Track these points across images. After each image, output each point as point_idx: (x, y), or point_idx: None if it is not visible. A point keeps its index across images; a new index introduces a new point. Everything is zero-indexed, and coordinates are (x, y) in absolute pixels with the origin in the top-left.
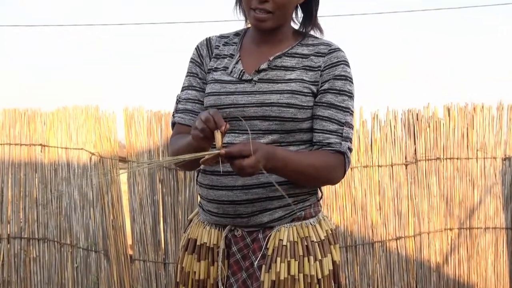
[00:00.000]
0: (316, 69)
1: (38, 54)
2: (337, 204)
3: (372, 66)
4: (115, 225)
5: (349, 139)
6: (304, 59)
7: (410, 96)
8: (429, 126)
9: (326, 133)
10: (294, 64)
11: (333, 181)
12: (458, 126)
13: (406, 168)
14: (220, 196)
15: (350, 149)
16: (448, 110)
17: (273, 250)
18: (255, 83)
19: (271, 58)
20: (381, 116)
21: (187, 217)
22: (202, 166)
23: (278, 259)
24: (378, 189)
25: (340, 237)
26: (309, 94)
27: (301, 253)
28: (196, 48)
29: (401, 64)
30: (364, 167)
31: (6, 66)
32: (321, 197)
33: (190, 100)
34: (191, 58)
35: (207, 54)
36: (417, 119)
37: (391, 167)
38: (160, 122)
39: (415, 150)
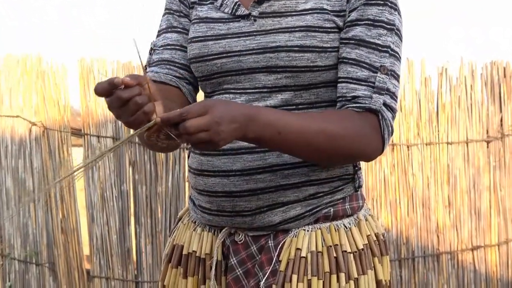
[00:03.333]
0: None
1: None
2: (386, 198)
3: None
4: (65, 228)
5: (388, 92)
6: None
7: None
8: None
9: (351, 83)
10: None
11: (362, 156)
12: None
13: (487, 147)
14: (212, 185)
15: (390, 108)
16: None
17: (287, 263)
18: (254, 20)
19: None
20: (452, 72)
21: (171, 215)
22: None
23: (294, 277)
24: (446, 176)
25: (391, 245)
26: (333, 30)
27: (327, 269)
28: None
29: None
30: (426, 144)
31: None
32: (361, 186)
33: (169, 47)
34: None
35: None
36: (505, 76)
37: (465, 144)
38: None
39: (501, 121)
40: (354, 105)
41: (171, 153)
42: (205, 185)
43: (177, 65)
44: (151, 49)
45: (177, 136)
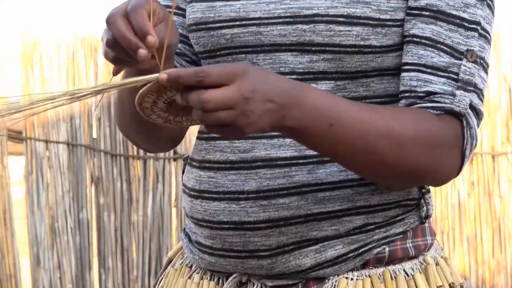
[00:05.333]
0: None
1: None
2: (462, 231)
3: None
4: (0, 274)
5: (475, 88)
6: None
7: None
8: None
9: (424, 72)
10: None
11: (435, 177)
12: None
13: None
14: (215, 213)
15: (476, 112)
16: None
17: None
18: None
19: None
20: None
21: (151, 256)
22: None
23: None
24: None
25: None
26: None
27: None
28: None
29: None
30: None
31: None
32: (430, 215)
33: None
34: None
35: None
36: None
37: None
38: (95, 58)
39: None
40: (429, 104)
41: (151, 165)
42: (204, 212)
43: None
44: None
45: (184, 109)
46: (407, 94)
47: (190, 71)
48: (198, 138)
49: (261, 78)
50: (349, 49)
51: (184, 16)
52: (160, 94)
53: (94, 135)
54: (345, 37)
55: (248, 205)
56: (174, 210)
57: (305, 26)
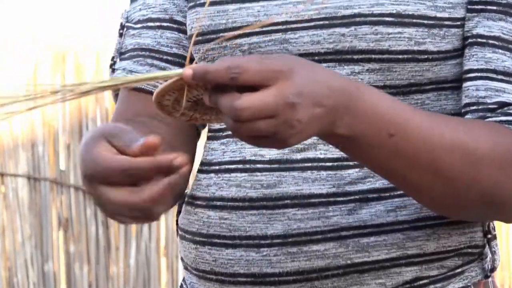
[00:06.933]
0: None
1: None
2: None
3: None
4: None
5: None
6: None
7: None
8: None
9: (493, 79)
10: None
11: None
12: None
13: None
14: (228, 263)
15: None
16: None
17: None
18: None
19: None
20: None
21: None
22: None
23: None
24: None
25: None
26: None
27: None
28: None
29: None
30: None
31: None
32: (496, 267)
33: (152, 23)
34: None
35: None
36: None
37: None
38: (62, 69)
39: None
40: (503, 118)
41: None
42: (214, 262)
43: (166, 57)
44: (122, 26)
45: (210, 110)
46: (473, 108)
47: (221, 65)
48: (201, 171)
49: (309, 77)
50: (400, 56)
51: (179, 30)
52: (184, 92)
53: (62, 167)
54: (395, 41)
55: (272, 253)
56: (163, 260)
57: (344, 30)
